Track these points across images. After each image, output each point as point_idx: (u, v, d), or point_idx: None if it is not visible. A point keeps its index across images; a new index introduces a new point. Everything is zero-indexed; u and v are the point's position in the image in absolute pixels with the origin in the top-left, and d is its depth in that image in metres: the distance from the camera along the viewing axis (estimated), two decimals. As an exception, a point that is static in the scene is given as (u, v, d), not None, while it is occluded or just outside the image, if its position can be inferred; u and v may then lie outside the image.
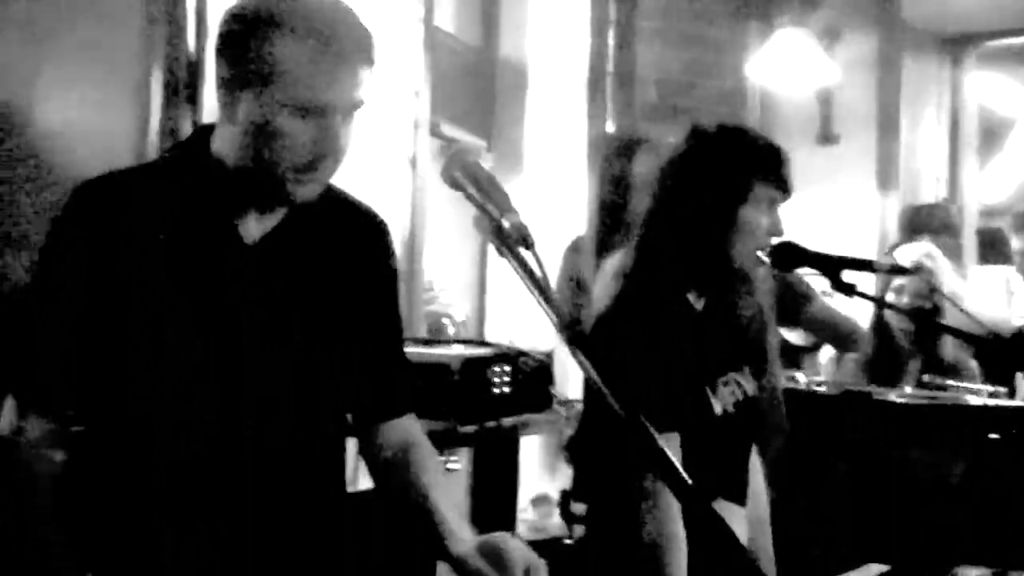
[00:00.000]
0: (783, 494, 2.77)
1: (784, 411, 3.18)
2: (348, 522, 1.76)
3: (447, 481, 2.04)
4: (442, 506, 1.65)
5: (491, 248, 1.35)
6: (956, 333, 3.13)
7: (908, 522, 3.25)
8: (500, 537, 1.54)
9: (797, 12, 5.18)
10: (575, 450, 3.38)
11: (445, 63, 4.78)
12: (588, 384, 2.22)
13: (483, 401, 3.20)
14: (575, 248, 3.97)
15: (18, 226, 2.69)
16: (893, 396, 3.45)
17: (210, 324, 1.57)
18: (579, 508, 2.70)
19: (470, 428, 3.13)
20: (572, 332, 1.24)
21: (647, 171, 2.92)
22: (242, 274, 1.59)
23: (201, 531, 1.58)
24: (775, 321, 3.20)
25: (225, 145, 1.58)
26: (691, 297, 2.15)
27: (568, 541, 3.27)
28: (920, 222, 5.10)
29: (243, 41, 1.50)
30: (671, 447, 1.97)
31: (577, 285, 3.51)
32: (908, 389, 3.56)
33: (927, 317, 3.59)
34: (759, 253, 2.13)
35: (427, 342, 3.78)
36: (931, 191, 6.14)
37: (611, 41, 4.98)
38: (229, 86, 1.53)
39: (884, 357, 3.72)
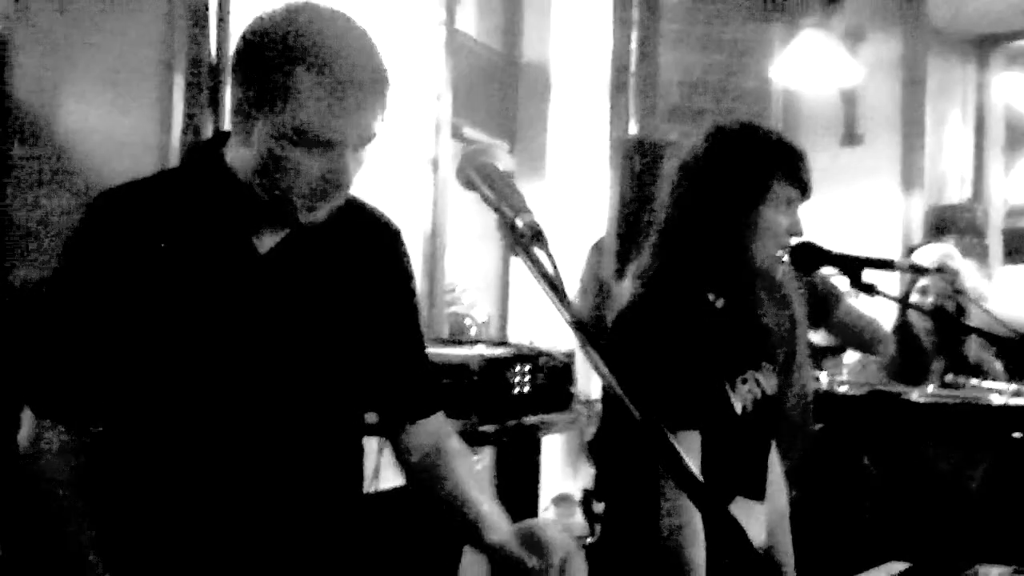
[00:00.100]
0: (807, 492, 2.77)
1: (811, 412, 3.18)
2: (367, 523, 1.78)
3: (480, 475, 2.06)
4: (477, 497, 1.67)
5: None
6: (980, 333, 3.13)
7: (930, 520, 3.24)
8: (537, 523, 1.57)
9: (821, 13, 5.15)
10: (596, 449, 3.38)
11: (467, 66, 4.80)
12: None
13: (503, 400, 3.22)
14: (599, 247, 3.97)
15: (46, 227, 2.72)
16: (916, 396, 3.45)
17: (226, 333, 1.58)
18: (601, 508, 2.70)
19: (490, 427, 3.14)
20: (585, 331, 1.24)
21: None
22: (256, 283, 1.61)
23: (219, 535, 1.59)
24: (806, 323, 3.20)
25: (238, 161, 1.59)
26: (711, 296, 2.15)
27: (590, 540, 3.28)
28: (946, 223, 5.08)
29: (262, 65, 1.50)
30: (691, 445, 1.98)
31: (599, 285, 3.52)
32: (931, 389, 3.56)
33: (950, 317, 3.59)
34: (779, 253, 2.13)
35: (448, 342, 3.80)
36: (956, 192, 6.10)
37: (634, 43, 4.96)
38: (244, 104, 1.53)
39: (908, 357, 3.72)
